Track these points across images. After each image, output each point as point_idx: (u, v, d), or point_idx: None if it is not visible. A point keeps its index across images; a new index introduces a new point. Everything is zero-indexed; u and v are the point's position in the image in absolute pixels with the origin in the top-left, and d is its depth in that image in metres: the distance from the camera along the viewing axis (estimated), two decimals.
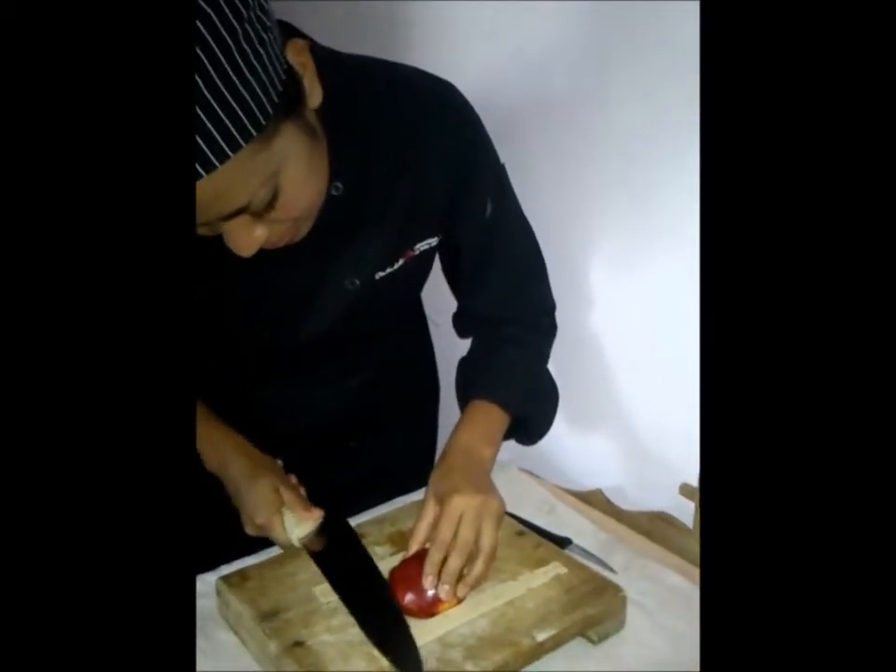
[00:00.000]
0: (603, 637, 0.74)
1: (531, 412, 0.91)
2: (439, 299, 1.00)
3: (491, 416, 0.87)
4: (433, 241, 0.83)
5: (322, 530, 0.80)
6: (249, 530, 0.80)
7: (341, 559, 0.79)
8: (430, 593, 0.72)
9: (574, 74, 0.98)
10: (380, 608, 0.73)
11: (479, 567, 0.73)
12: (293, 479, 0.84)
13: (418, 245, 0.82)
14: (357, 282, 0.80)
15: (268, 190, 0.60)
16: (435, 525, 0.75)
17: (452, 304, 0.96)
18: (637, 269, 0.97)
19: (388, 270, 0.81)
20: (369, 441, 0.99)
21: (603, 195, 0.98)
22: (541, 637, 0.69)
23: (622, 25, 0.90)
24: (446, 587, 0.72)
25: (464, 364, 0.94)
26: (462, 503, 0.74)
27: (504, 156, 0.87)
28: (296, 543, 0.79)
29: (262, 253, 0.67)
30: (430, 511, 0.76)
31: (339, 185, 0.73)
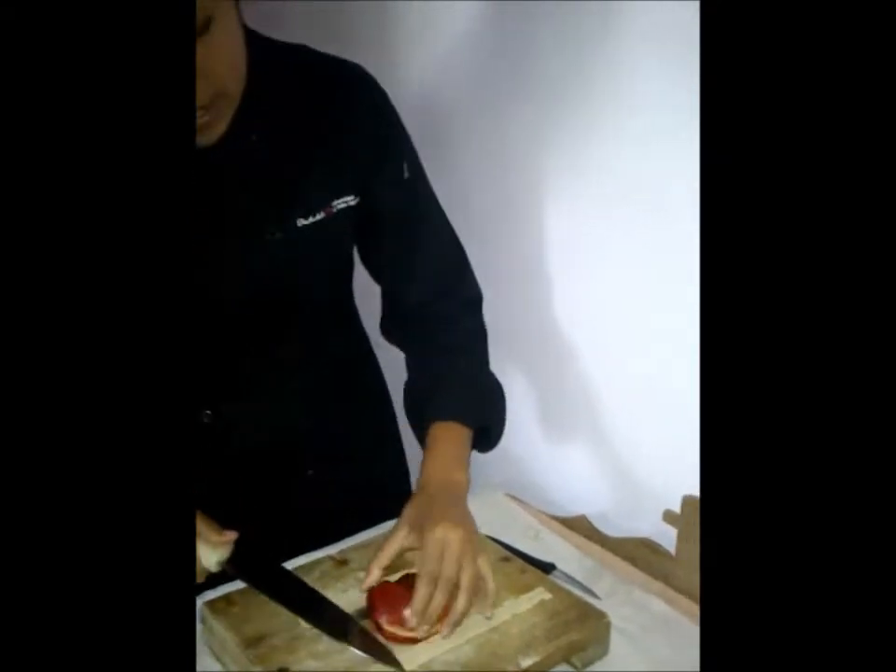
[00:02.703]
0: (587, 664, 0.74)
1: (489, 420, 0.91)
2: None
3: (456, 436, 0.87)
4: (350, 199, 0.86)
5: (235, 551, 0.79)
6: None
7: (271, 576, 0.79)
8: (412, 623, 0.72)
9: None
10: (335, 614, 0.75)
11: (461, 603, 0.73)
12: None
13: (335, 202, 0.85)
14: (279, 234, 0.82)
15: (203, 17, 0.66)
16: (404, 553, 0.76)
17: None
18: (622, 283, 0.98)
19: (311, 219, 0.83)
20: (329, 470, 0.97)
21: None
22: (526, 663, 0.69)
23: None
24: (426, 627, 0.72)
25: (411, 388, 0.94)
26: (444, 536, 0.74)
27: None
28: (214, 569, 0.77)
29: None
30: (400, 537, 0.76)
31: (256, 135, 0.80)
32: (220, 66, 0.72)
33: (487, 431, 0.91)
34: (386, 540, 0.77)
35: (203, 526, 0.79)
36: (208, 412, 0.88)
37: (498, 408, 0.94)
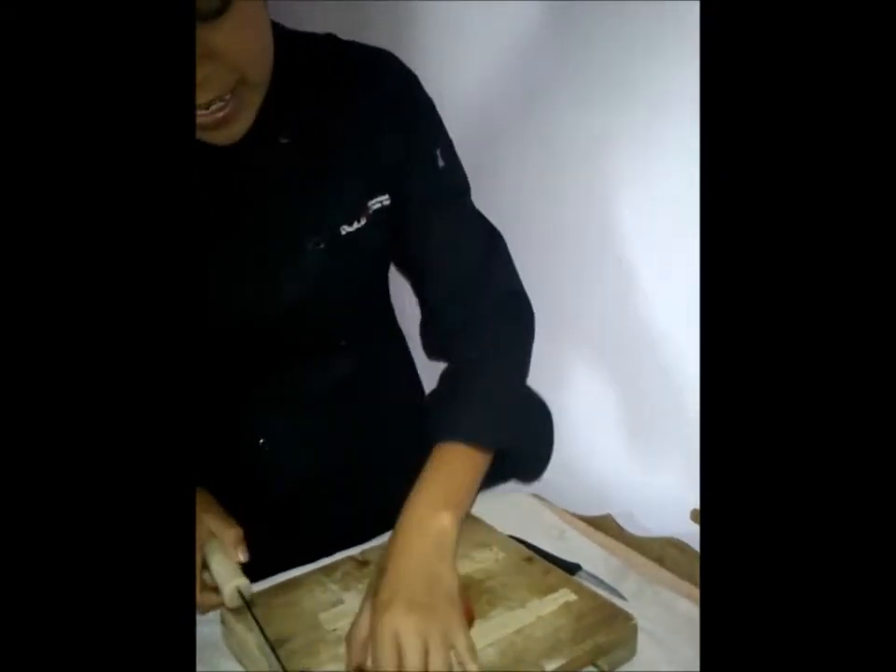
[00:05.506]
0: (613, 667, 0.72)
1: (517, 440, 0.79)
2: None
3: (456, 464, 0.75)
4: (385, 199, 0.80)
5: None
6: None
7: None
8: None
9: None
10: None
11: None
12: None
13: (371, 203, 0.79)
14: (322, 244, 0.77)
15: None
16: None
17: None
18: (650, 279, 0.95)
19: (355, 225, 0.78)
20: (375, 482, 0.92)
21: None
22: (551, 666, 0.68)
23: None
24: None
25: (425, 407, 0.86)
26: (395, 626, 0.64)
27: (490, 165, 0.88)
28: (229, 602, 0.74)
29: (221, 220, 0.72)
30: (364, 623, 0.67)
31: (286, 138, 0.76)
32: (241, 51, 0.65)
33: (519, 456, 0.81)
34: (354, 626, 0.68)
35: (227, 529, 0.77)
36: (262, 441, 0.87)
37: (534, 425, 0.85)
